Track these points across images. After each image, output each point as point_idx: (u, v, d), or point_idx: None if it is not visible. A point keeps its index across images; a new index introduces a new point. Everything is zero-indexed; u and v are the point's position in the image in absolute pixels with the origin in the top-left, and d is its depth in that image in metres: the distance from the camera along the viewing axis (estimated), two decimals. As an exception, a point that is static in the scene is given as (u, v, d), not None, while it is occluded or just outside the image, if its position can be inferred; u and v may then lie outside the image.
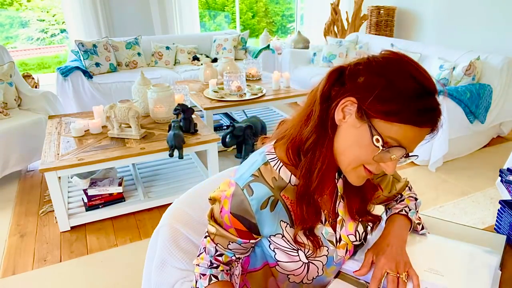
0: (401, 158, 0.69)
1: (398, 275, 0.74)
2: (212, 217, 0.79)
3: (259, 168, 0.76)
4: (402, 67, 0.65)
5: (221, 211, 0.76)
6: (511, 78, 3.09)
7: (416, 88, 0.64)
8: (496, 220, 0.99)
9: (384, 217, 0.95)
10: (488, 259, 0.81)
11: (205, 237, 0.82)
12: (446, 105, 2.72)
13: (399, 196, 0.97)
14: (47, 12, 7.12)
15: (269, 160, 0.77)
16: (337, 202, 0.82)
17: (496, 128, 3.33)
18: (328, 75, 0.72)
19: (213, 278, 0.80)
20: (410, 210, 0.92)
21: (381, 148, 0.66)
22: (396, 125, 0.64)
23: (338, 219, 0.82)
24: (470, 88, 2.89)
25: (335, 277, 0.80)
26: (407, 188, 0.99)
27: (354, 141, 0.69)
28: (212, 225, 0.79)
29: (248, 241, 0.78)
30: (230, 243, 0.78)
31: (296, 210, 0.75)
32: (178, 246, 0.97)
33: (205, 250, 0.82)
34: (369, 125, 0.66)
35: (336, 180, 0.83)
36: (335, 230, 0.81)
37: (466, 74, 3.00)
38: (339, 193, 0.83)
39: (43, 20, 7.15)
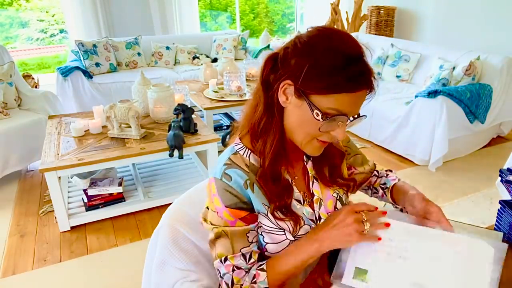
0: (348, 121, 0.74)
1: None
2: (218, 237, 0.79)
3: (229, 158, 0.81)
4: (325, 42, 0.70)
5: (217, 213, 0.78)
6: (511, 78, 3.09)
7: (340, 59, 0.68)
8: (496, 220, 0.99)
9: (381, 193, 1.01)
10: (487, 251, 0.79)
11: (223, 261, 0.79)
12: (446, 105, 2.72)
13: (376, 172, 1.04)
14: (47, 12, 7.12)
15: (238, 150, 0.82)
16: (311, 183, 0.86)
17: (496, 128, 3.33)
18: (264, 63, 0.77)
19: (261, 266, 0.79)
20: (400, 180, 0.99)
21: (321, 120, 0.71)
22: (331, 96, 0.69)
23: (314, 199, 0.85)
24: (470, 88, 2.89)
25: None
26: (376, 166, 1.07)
27: (300, 119, 0.74)
28: (223, 238, 0.78)
29: (257, 222, 0.81)
30: (248, 235, 0.79)
31: (264, 189, 0.79)
32: (178, 246, 0.97)
33: (233, 270, 0.79)
34: (307, 102, 0.71)
35: (305, 162, 0.87)
36: (313, 210, 0.85)
37: (466, 74, 3.00)
38: (310, 174, 0.86)
39: (43, 21, 7.15)
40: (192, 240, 0.98)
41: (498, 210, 0.98)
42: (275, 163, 0.79)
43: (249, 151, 0.81)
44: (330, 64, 0.68)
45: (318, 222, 0.85)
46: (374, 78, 0.72)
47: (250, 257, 0.79)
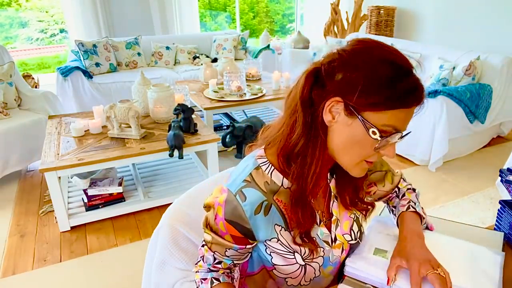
0: (398, 139, 0.70)
1: (434, 271, 0.73)
2: (207, 225, 0.79)
3: (250, 173, 0.75)
4: (374, 54, 0.66)
5: (215, 218, 0.76)
6: (511, 78, 3.09)
7: (394, 72, 0.64)
8: (496, 220, 0.99)
9: (392, 217, 0.95)
10: (494, 258, 0.80)
11: (202, 245, 0.82)
12: (446, 105, 2.72)
13: (397, 189, 0.98)
14: (46, 12, 7.12)
15: (261, 164, 0.76)
16: (331, 202, 0.83)
17: (496, 128, 3.33)
18: (305, 79, 0.70)
19: (214, 280, 0.80)
20: (415, 204, 0.92)
21: (379, 139, 0.66)
22: (387, 112, 0.65)
23: (332, 219, 0.82)
24: (470, 88, 2.89)
25: (340, 281, 0.80)
26: (401, 180, 0.99)
27: (350, 139, 0.69)
28: (208, 233, 0.78)
29: (244, 246, 0.78)
30: (227, 250, 0.78)
31: (291, 214, 0.75)
32: (178, 246, 0.97)
33: (203, 259, 0.82)
34: (361, 120, 0.66)
35: (329, 180, 0.83)
36: (330, 230, 0.81)
37: (466, 74, 3.00)
38: (332, 193, 0.83)
39: (42, 21, 7.15)
40: (192, 240, 0.98)
41: (498, 210, 0.98)
42: (316, 186, 0.74)
43: (273, 168, 0.76)
44: (386, 76, 0.63)
45: (334, 243, 0.82)
46: (424, 92, 0.67)
47: (219, 263, 0.81)
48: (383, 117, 0.65)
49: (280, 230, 0.76)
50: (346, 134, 0.69)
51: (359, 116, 0.66)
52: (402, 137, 0.69)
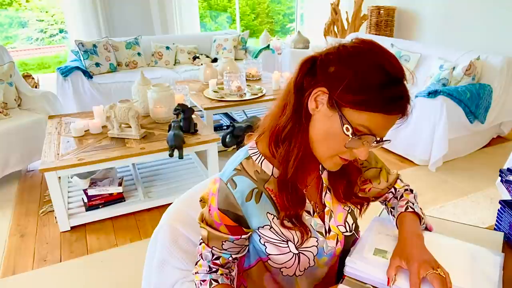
0: (372, 143, 0.71)
1: (434, 271, 0.73)
2: (203, 220, 0.82)
3: (241, 163, 0.79)
4: (370, 57, 0.67)
5: (209, 210, 0.79)
6: (511, 78, 3.09)
7: (383, 78, 0.66)
8: (496, 220, 0.99)
9: (391, 218, 0.95)
10: (493, 259, 0.80)
11: (200, 243, 0.84)
12: (446, 105, 2.72)
13: (393, 189, 0.98)
14: (46, 12, 7.12)
15: (251, 155, 0.80)
16: (324, 193, 0.84)
17: (496, 128, 3.33)
18: (301, 65, 0.74)
19: (213, 282, 0.81)
20: (413, 204, 0.92)
21: (351, 136, 0.68)
22: (366, 114, 0.66)
23: (325, 210, 0.83)
24: (470, 88, 2.89)
25: (340, 282, 0.80)
26: (398, 180, 0.99)
27: (326, 131, 0.71)
28: (204, 228, 0.81)
29: (239, 236, 0.80)
30: (224, 242, 0.80)
31: (278, 198, 0.77)
32: (178, 246, 0.97)
33: (201, 257, 0.84)
34: (339, 114, 0.68)
35: (321, 172, 0.85)
36: (323, 221, 0.83)
37: (466, 74, 3.00)
38: (324, 184, 0.84)
39: (42, 20, 7.15)
40: (192, 240, 0.98)
41: (498, 210, 0.98)
42: (298, 172, 0.76)
43: (263, 158, 0.79)
44: (373, 80, 0.65)
45: (328, 234, 0.83)
46: (409, 104, 0.69)
47: (218, 258, 0.82)
48: (361, 117, 0.67)
49: (273, 218, 0.78)
50: (324, 125, 0.71)
51: (339, 111, 0.68)
52: (378, 142, 0.71)
